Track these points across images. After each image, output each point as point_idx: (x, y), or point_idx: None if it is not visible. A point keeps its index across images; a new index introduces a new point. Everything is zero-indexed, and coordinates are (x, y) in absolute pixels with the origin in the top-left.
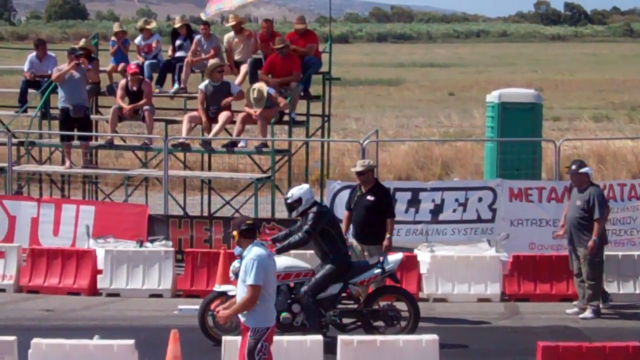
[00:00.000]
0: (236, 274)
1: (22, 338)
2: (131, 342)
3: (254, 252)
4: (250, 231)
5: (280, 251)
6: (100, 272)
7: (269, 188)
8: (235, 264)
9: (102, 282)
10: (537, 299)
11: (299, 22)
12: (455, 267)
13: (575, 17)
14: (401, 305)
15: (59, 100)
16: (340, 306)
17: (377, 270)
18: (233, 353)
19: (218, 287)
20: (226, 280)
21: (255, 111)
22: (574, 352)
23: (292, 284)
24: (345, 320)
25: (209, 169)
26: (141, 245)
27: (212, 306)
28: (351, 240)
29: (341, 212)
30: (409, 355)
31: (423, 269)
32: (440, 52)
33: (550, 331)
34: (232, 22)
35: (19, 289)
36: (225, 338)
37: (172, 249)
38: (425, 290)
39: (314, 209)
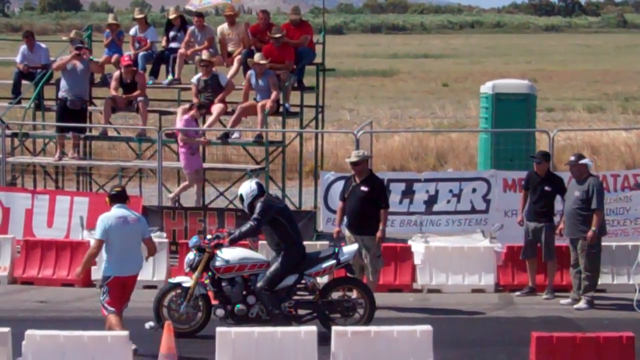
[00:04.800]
0: (191, 266)
1: (16, 329)
2: (125, 333)
3: (106, 213)
4: (116, 196)
5: (232, 242)
6: (94, 263)
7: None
8: (190, 255)
9: (96, 274)
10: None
11: (293, 12)
12: (449, 258)
13: (569, 8)
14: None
15: (60, 90)
16: (295, 297)
17: (332, 261)
18: (227, 343)
19: (173, 279)
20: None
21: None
22: (568, 343)
23: (246, 276)
24: (301, 312)
25: (203, 160)
26: None
27: (167, 298)
28: (344, 231)
29: (336, 202)
30: (403, 346)
31: (417, 260)
32: (435, 43)
33: (545, 322)
34: (228, 12)
35: (13, 281)
36: (219, 329)
37: (166, 240)
38: (420, 281)
39: (262, 198)
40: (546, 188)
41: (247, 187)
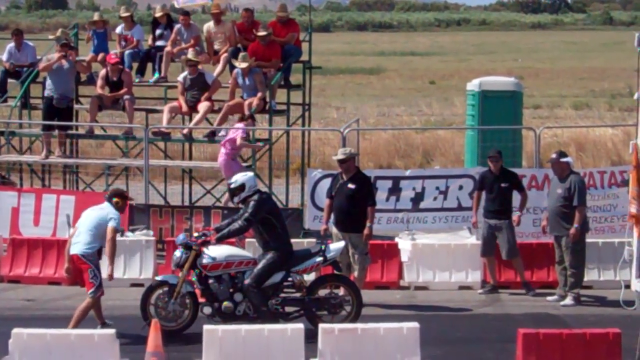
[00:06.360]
0: (178, 263)
1: (3, 328)
2: (112, 331)
3: None
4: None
5: (220, 239)
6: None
7: None
8: (177, 253)
9: None
10: (518, 286)
11: (281, 10)
12: (436, 255)
13: (556, 6)
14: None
15: (46, 89)
16: (282, 294)
17: (319, 259)
18: (214, 341)
19: (160, 277)
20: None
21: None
22: (555, 339)
23: (233, 273)
24: (288, 309)
25: (190, 158)
26: (122, 235)
27: (153, 296)
28: (332, 228)
29: (322, 200)
30: (390, 343)
31: (404, 257)
32: (421, 40)
33: (531, 318)
34: (214, 10)
35: (0, 279)
36: (206, 327)
37: (153, 238)
38: (407, 279)
39: (255, 197)
40: (502, 185)
41: (252, 180)
